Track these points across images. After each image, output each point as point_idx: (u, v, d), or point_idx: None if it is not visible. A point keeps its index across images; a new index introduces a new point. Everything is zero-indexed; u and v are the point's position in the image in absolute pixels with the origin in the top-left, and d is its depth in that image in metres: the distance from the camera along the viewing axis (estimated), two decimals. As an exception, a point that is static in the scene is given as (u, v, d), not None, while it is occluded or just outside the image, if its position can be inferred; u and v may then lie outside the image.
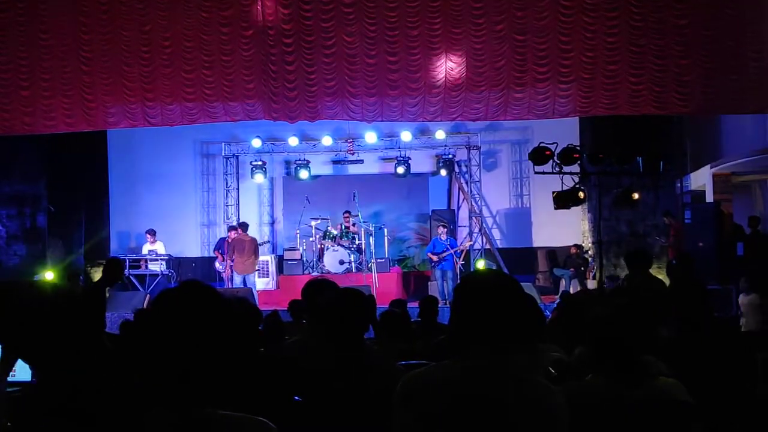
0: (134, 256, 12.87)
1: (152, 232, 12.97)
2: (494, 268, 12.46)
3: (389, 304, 6.75)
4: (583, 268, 12.82)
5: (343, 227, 13.05)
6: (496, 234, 14.82)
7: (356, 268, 12.81)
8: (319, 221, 13.41)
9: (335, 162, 14.81)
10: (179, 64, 10.46)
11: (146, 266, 12.70)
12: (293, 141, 13.96)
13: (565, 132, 11.45)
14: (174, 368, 1.53)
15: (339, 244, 12.90)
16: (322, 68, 10.42)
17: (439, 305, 6.77)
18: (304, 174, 14.20)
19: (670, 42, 10.13)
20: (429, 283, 12.50)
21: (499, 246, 14.60)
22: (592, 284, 12.05)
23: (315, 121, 11.06)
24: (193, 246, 14.72)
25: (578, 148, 9.18)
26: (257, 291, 11.88)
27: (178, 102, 10.71)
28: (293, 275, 12.68)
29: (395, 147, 14.18)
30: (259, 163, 14.17)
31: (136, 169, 14.49)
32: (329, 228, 13.12)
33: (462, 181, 14.63)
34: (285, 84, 10.46)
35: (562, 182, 9.37)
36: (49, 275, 10.97)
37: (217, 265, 12.81)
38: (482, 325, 1.94)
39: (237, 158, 14.56)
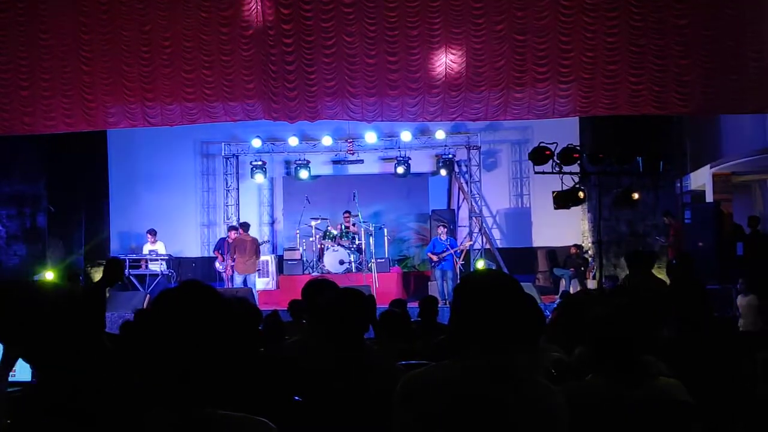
0: (134, 256, 12.88)
1: (153, 232, 12.97)
2: (494, 268, 12.46)
3: (389, 304, 6.75)
4: (583, 268, 12.82)
5: (343, 227, 13.05)
6: (496, 234, 14.82)
7: (356, 268, 12.81)
8: (319, 221, 13.41)
9: (335, 162, 14.81)
10: (179, 64, 10.46)
11: (146, 266, 12.71)
12: (293, 141, 13.97)
13: (565, 132, 11.46)
14: (174, 368, 1.53)
15: (339, 244, 12.90)
16: (322, 68, 10.42)
17: (439, 305, 6.77)
18: (304, 174, 14.20)
19: (670, 42, 10.13)
20: (429, 283, 12.50)
21: (499, 246, 14.60)
22: (592, 284, 12.05)
23: (315, 121, 11.06)
24: (193, 246, 14.73)
25: (578, 148, 9.19)
26: (257, 291, 11.88)
27: (178, 102, 10.72)
28: (293, 275, 12.68)
29: (395, 147, 14.18)
30: (259, 163, 14.17)
31: (136, 169, 14.49)
32: (329, 228, 13.12)
33: (462, 181, 14.63)
34: (285, 84, 10.46)
35: (562, 182, 9.38)
36: (49, 275, 10.97)
37: (217, 265, 12.81)
38: (482, 325, 1.94)
39: (237, 158, 14.56)
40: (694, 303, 3.39)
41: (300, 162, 14.24)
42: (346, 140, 14.18)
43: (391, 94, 10.58)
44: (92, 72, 10.52)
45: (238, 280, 11.87)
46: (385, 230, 13.71)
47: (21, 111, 10.61)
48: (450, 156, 14.20)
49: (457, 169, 14.50)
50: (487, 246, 14.23)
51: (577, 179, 9.30)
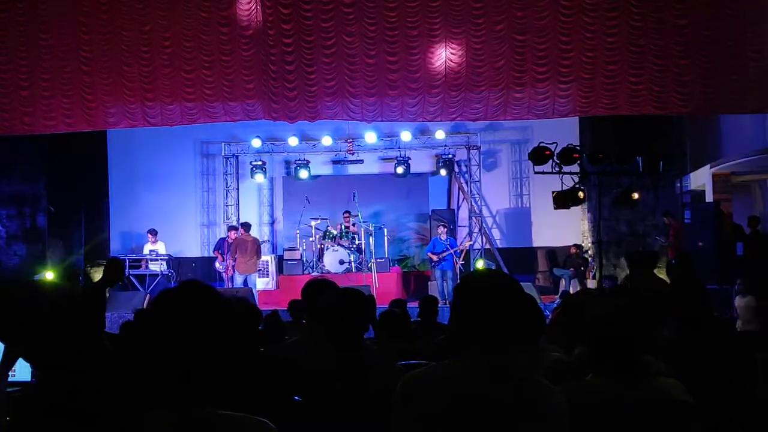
0: (134, 256, 12.88)
1: (154, 232, 12.97)
2: (494, 268, 12.46)
3: (389, 304, 6.75)
4: (582, 268, 12.82)
5: (343, 227, 13.05)
6: (495, 234, 14.82)
7: (356, 268, 12.81)
8: (318, 221, 13.41)
9: (335, 162, 14.81)
10: (179, 64, 10.46)
11: (146, 266, 12.71)
12: (293, 141, 13.96)
13: (565, 132, 11.46)
14: (174, 368, 1.53)
15: (339, 244, 12.90)
16: (322, 68, 10.42)
17: (439, 305, 6.78)
18: (304, 174, 14.20)
19: (669, 42, 10.13)
20: (429, 283, 12.50)
21: (499, 246, 14.60)
22: (592, 284, 12.05)
23: (315, 121, 11.06)
24: (193, 246, 14.73)
25: (578, 148, 9.19)
26: (257, 291, 11.88)
27: (177, 102, 10.72)
28: (293, 275, 12.68)
29: (395, 147, 14.18)
30: (259, 163, 14.17)
31: (136, 169, 14.49)
32: (329, 228, 13.12)
33: (462, 181, 14.63)
34: (285, 84, 10.46)
35: (562, 182, 9.38)
36: (49, 275, 10.97)
37: (217, 265, 12.81)
38: (482, 325, 1.94)
39: (237, 158, 14.56)
40: (694, 303, 3.39)
41: (300, 162, 14.24)
42: (346, 140, 14.18)
43: (390, 94, 10.58)
44: (92, 72, 10.52)
45: (239, 280, 11.87)
46: (385, 230, 13.71)
47: (21, 111, 10.61)
48: (450, 156, 14.20)
49: (457, 169, 14.50)
50: (487, 246, 14.23)
51: (576, 179, 9.31)
